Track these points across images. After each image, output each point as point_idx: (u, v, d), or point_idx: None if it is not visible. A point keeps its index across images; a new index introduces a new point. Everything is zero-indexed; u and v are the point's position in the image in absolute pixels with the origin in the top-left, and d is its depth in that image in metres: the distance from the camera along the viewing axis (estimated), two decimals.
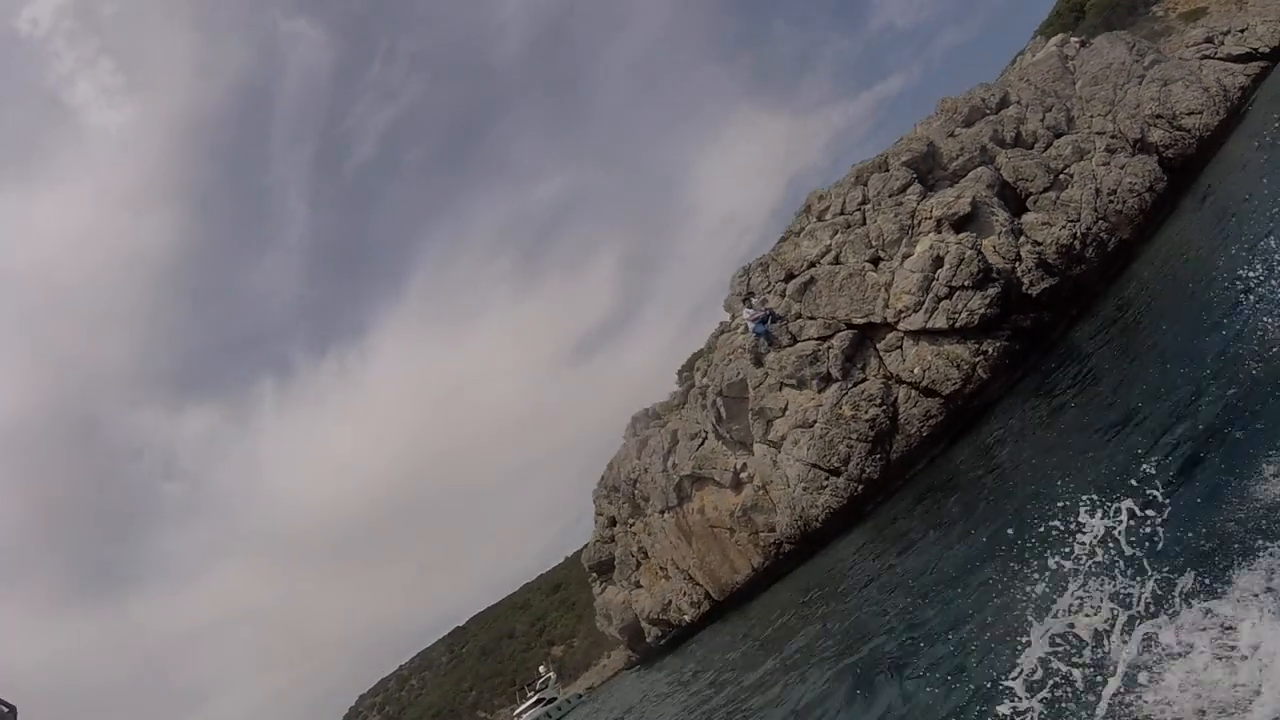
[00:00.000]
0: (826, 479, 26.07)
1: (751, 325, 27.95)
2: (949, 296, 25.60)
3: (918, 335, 26.10)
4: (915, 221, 28.03)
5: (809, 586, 24.42)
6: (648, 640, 41.84)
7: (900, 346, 26.39)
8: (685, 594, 36.38)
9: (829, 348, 26.86)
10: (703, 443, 31.00)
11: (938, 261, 26.04)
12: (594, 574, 46.04)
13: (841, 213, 29.94)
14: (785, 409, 27.25)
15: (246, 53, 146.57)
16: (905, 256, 27.24)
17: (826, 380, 26.47)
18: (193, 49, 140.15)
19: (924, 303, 25.74)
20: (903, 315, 26.15)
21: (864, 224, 29.06)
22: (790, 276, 28.81)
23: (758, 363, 28.15)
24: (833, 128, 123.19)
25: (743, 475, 29.78)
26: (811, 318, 27.60)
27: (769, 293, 29.14)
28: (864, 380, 26.27)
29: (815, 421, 26.38)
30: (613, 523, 41.10)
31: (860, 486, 25.42)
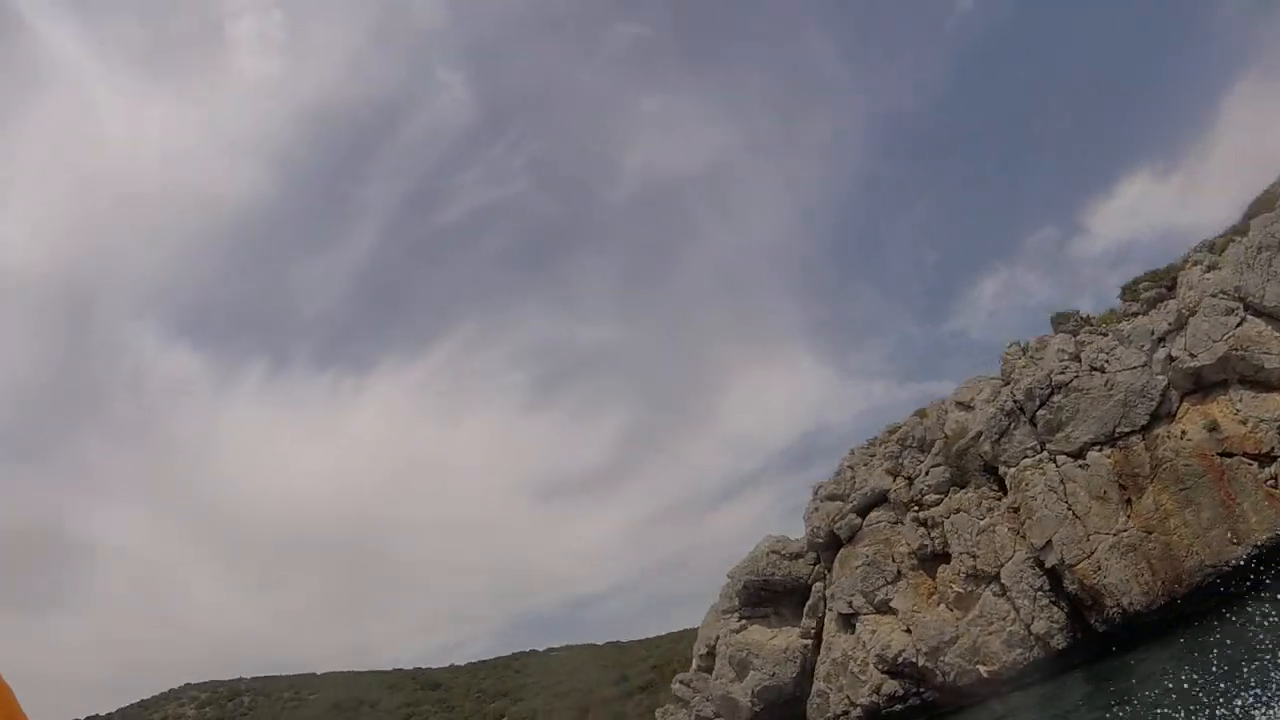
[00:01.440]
0: None
1: None
2: None
3: None
4: None
5: None
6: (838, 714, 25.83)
7: None
8: (1019, 619, 22.37)
9: None
10: (1241, 322, 19.68)
11: None
12: (738, 600, 30.17)
13: None
14: None
15: (397, 75, 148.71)
16: None
17: None
18: (357, 46, 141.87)
19: None
20: None
21: None
22: None
23: None
24: (871, 401, 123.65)
25: None
26: None
27: None
28: None
29: None
30: (865, 510, 26.86)
31: None
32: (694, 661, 33.78)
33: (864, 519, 26.62)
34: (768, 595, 29.93)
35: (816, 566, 29.39)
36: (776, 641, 28.96)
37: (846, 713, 26.19)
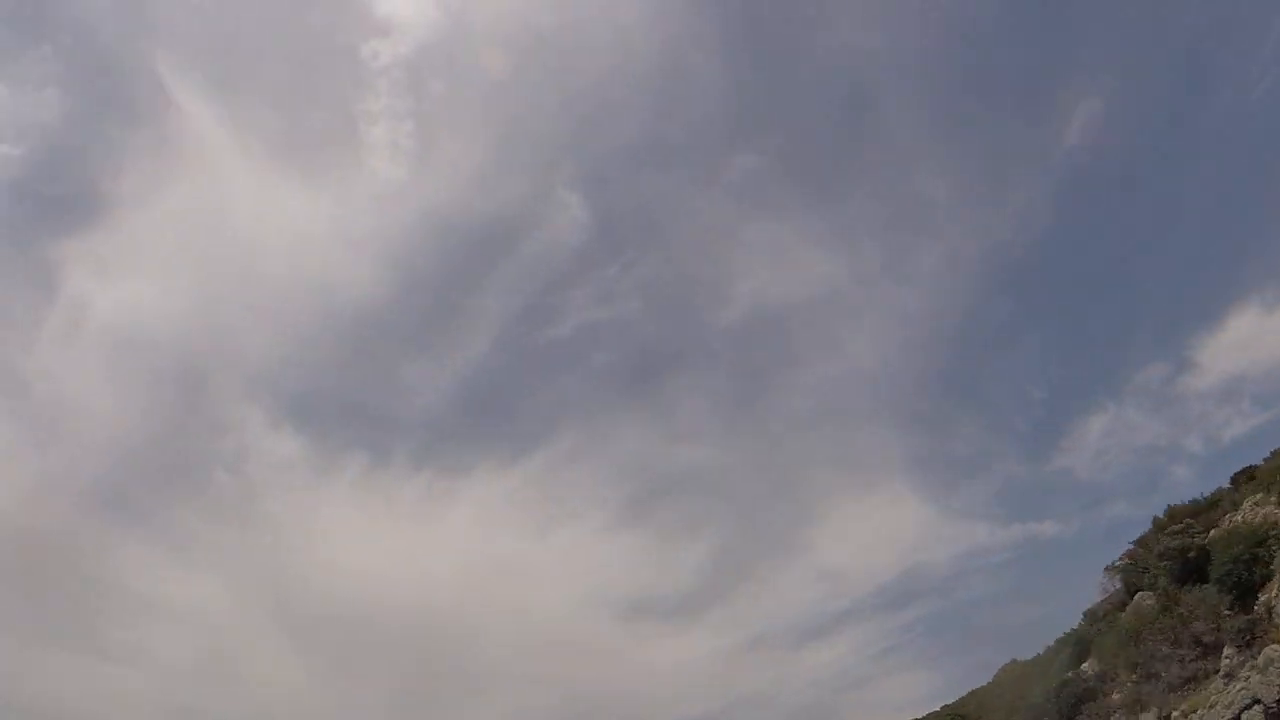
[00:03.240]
0: None
1: None
2: None
3: None
4: None
5: None
6: None
7: None
8: None
9: None
10: None
11: None
12: None
13: None
14: None
15: (519, 191, 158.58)
16: None
17: None
18: (482, 160, 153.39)
19: None
20: None
21: None
22: None
23: None
24: (972, 540, 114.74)
25: None
26: None
27: None
28: None
29: None
30: None
31: None
32: None
33: None
34: None
35: None
36: None
37: None
